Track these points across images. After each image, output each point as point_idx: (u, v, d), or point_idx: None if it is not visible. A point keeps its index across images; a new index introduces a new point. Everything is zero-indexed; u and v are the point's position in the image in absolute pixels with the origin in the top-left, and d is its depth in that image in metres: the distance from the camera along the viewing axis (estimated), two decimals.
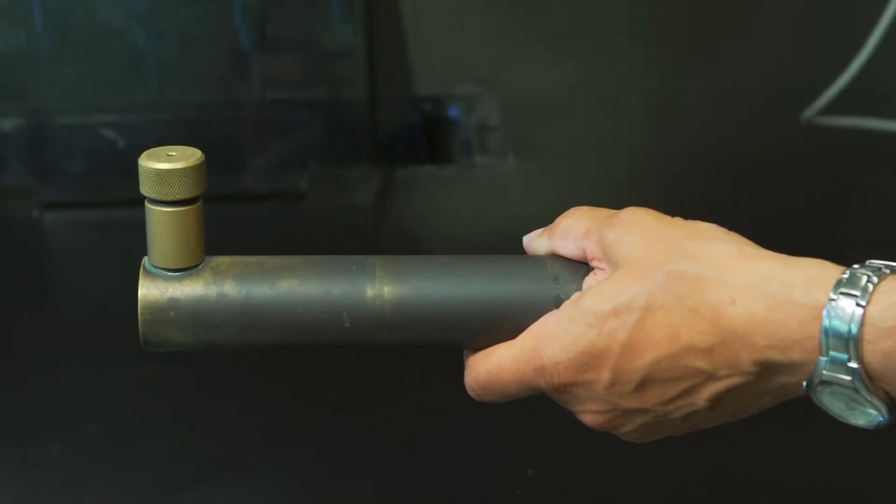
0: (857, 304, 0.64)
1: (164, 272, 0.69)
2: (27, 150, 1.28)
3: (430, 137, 1.39)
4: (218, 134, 1.29)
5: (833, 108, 1.37)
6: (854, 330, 0.64)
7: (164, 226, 0.68)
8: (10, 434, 0.99)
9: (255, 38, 1.27)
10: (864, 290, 0.64)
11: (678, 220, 0.71)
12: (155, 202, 0.68)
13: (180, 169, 0.67)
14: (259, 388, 1.04)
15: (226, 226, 1.23)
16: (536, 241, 0.74)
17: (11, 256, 1.25)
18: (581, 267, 0.72)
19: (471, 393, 0.73)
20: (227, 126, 1.29)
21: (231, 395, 1.03)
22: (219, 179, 1.28)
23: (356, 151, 1.30)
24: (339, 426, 0.99)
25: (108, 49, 1.27)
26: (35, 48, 1.26)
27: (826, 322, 0.64)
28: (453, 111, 1.39)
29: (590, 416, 0.71)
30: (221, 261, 0.71)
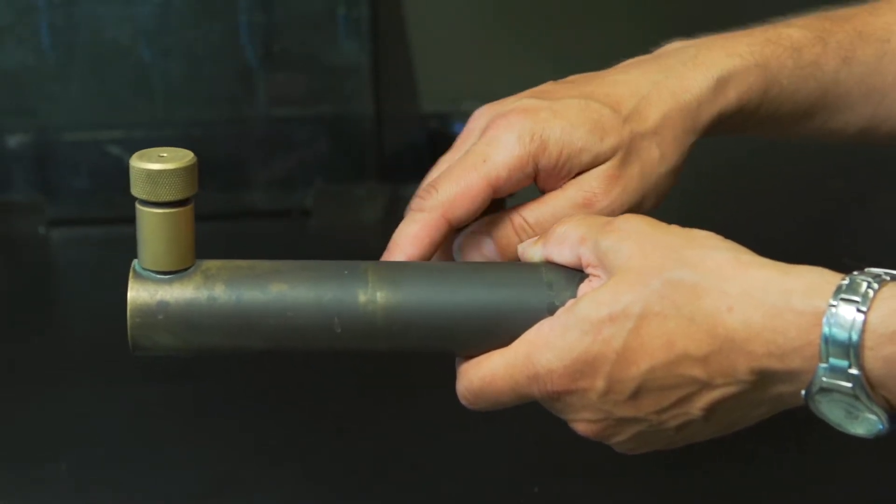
0: (858, 311, 0.64)
1: (155, 275, 0.69)
2: (34, 167, 1.29)
3: (436, 155, 1.39)
4: (223, 151, 1.29)
5: None
6: (855, 336, 0.63)
7: (154, 227, 0.68)
8: (16, 451, 0.99)
9: (260, 56, 1.28)
10: (865, 296, 0.64)
11: (675, 228, 0.70)
12: (146, 203, 0.68)
13: (171, 170, 0.67)
14: (264, 406, 1.04)
15: (231, 243, 1.23)
16: (531, 249, 0.74)
17: (18, 273, 1.25)
18: (576, 274, 0.71)
19: (463, 401, 0.72)
20: (233, 143, 1.29)
21: (236, 414, 1.03)
22: (224, 196, 1.28)
23: (362, 169, 1.30)
24: (341, 443, 0.99)
25: (114, 66, 1.27)
26: (42, 65, 1.26)
27: (826, 329, 0.64)
28: (459, 128, 1.39)
29: (583, 424, 0.70)
30: (212, 264, 0.70)
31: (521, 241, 0.75)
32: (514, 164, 0.75)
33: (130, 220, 1.27)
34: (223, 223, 1.25)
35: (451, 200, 0.75)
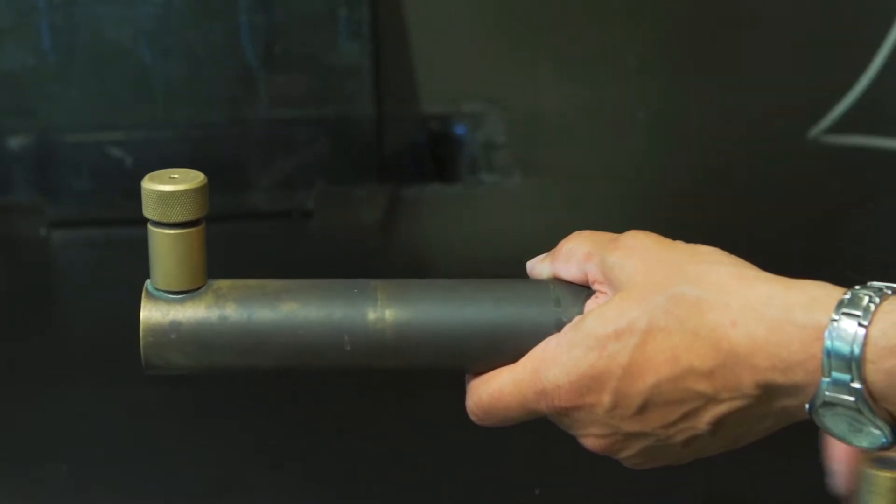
0: (860, 324, 0.64)
1: (167, 295, 0.70)
2: (34, 169, 1.29)
3: (437, 155, 1.39)
4: (225, 152, 1.29)
5: (839, 126, 1.37)
6: (857, 350, 0.64)
7: (166, 248, 0.68)
8: (16, 452, 0.99)
9: (262, 57, 1.28)
10: (866, 310, 0.64)
11: (679, 244, 0.71)
12: (157, 224, 0.68)
13: (182, 191, 0.67)
14: (264, 406, 1.04)
15: (232, 244, 1.23)
16: (539, 266, 0.74)
17: (19, 274, 1.25)
18: (583, 290, 0.72)
19: (472, 417, 0.73)
20: (234, 144, 1.30)
21: (236, 414, 1.03)
22: (225, 197, 1.28)
23: (363, 170, 1.30)
24: (341, 444, 0.99)
25: (115, 67, 1.27)
26: (43, 67, 1.26)
27: (828, 343, 0.64)
28: (459, 129, 1.39)
29: (591, 439, 0.70)
30: (223, 283, 0.71)
31: None
32: None
33: (130, 222, 1.27)
34: (224, 224, 1.25)
35: None
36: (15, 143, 1.29)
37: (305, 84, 1.29)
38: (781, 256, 0.73)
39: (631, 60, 1.44)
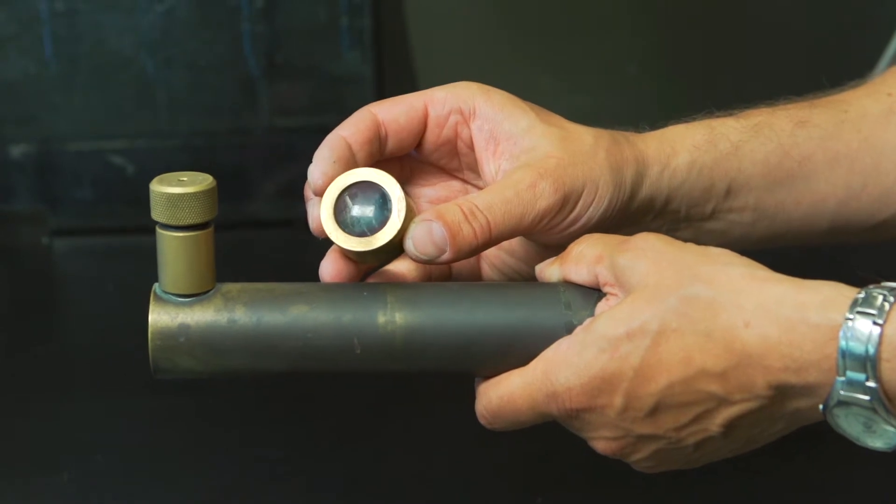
0: (875, 323, 0.64)
1: (175, 298, 0.69)
2: (37, 177, 1.29)
3: None
4: (227, 161, 1.29)
5: None
6: (871, 349, 0.64)
7: (175, 251, 0.68)
8: (18, 461, 0.99)
9: (263, 66, 1.28)
10: (881, 308, 0.64)
11: (691, 245, 0.70)
12: (166, 227, 0.68)
13: (191, 193, 0.67)
14: (267, 418, 1.04)
15: (234, 253, 1.23)
16: (549, 270, 0.74)
17: (21, 282, 1.25)
18: (593, 293, 0.71)
19: (482, 421, 0.72)
20: (236, 153, 1.29)
21: (238, 426, 1.03)
22: (227, 207, 1.28)
23: None
24: (343, 455, 0.99)
25: (117, 76, 1.27)
26: (45, 75, 1.26)
27: (843, 342, 0.64)
28: None
29: (602, 442, 0.70)
30: (232, 287, 0.70)
31: (472, 226, 0.73)
32: (451, 99, 0.78)
33: (133, 230, 1.26)
34: (226, 233, 1.24)
35: (383, 102, 0.79)
36: (17, 151, 1.29)
37: (307, 93, 1.29)
38: (790, 258, 0.72)
39: (632, 69, 1.44)
